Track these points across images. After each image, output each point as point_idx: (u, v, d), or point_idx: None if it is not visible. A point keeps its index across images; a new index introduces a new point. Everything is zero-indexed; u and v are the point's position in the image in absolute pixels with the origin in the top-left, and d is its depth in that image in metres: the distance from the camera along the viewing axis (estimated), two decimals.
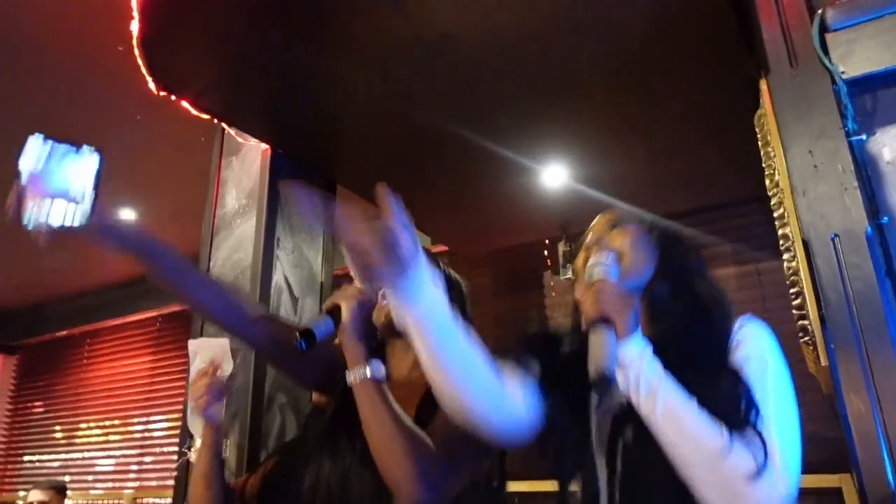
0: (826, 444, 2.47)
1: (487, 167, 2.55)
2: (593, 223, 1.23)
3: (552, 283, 3.62)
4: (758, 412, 0.95)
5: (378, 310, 1.23)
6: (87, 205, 0.98)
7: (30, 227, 0.96)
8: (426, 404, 1.17)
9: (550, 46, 1.84)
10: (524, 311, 3.62)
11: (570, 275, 3.39)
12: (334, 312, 1.15)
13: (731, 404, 0.96)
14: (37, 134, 0.99)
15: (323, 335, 1.13)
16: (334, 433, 1.25)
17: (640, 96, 2.12)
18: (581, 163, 2.54)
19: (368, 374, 1.08)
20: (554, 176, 2.63)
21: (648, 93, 2.10)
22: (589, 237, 1.20)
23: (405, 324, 0.90)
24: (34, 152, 0.98)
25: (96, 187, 1.00)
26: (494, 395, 1.01)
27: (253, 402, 2.01)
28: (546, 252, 3.60)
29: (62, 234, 0.97)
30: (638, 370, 0.95)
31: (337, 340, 1.15)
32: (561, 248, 3.40)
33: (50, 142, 0.99)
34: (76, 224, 0.98)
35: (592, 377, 0.93)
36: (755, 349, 1.03)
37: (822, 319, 1.21)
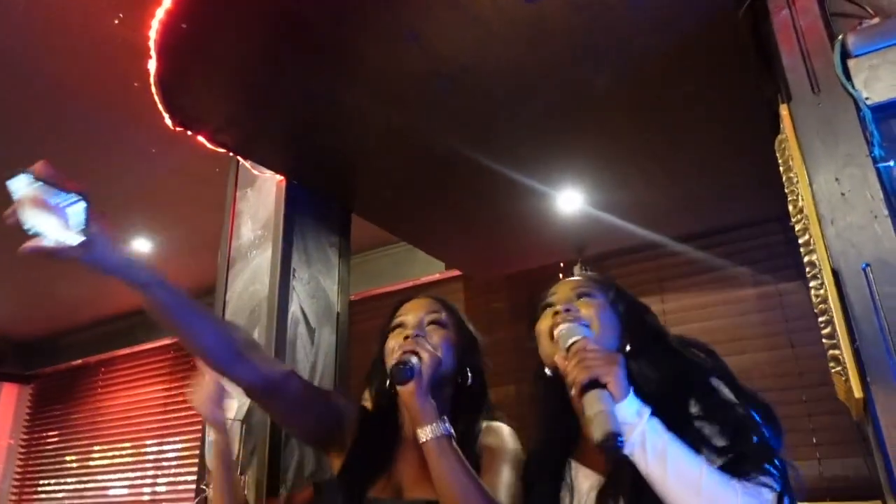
0: (856, 472, 2.42)
1: (502, 193, 2.54)
2: (555, 288, 1.23)
3: None
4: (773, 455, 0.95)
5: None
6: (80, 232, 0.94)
7: (28, 231, 0.91)
8: None
9: (567, 75, 1.84)
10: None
11: None
12: (414, 364, 1.13)
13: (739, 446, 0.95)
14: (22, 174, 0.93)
15: (407, 378, 1.12)
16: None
17: (658, 121, 2.11)
18: (597, 188, 2.52)
19: (443, 431, 1.08)
20: (569, 201, 2.62)
21: (666, 118, 2.09)
22: (552, 300, 1.19)
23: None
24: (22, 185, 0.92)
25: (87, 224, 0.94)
26: None
27: (271, 437, 1.98)
28: (562, 276, 3.56)
29: (54, 251, 0.92)
30: (642, 431, 0.91)
31: (408, 391, 1.12)
32: (577, 271, 3.37)
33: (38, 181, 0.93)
34: (70, 242, 0.93)
35: (600, 442, 0.88)
36: None
37: (856, 352, 1.18)
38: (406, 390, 1.11)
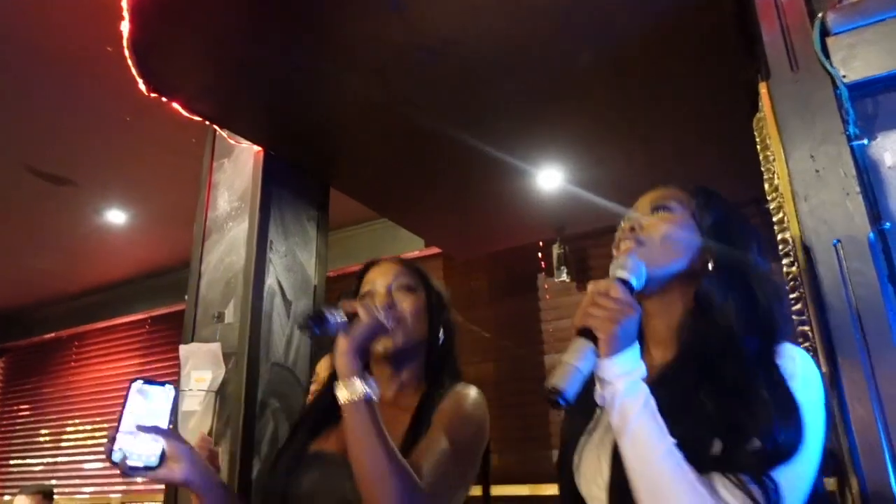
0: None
1: (483, 169, 2.53)
2: (640, 199, 1.17)
3: (546, 286, 3.61)
4: (773, 457, 0.85)
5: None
6: (161, 445, 1.12)
7: (115, 462, 1.09)
8: (413, 430, 1.16)
9: (549, 51, 1.83)
10: (521, 315, 3.59)
11: (564, 277, 3.38)
12: (351, 318, 1.10)
13: (748, 433, 0.86)
14: (138, 380, 1.16)
15: (332, 330, 1.10)
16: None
17: (639, 101, 2.11)
18: (577, 166, 2.52)
19: (363, 393, 1.04)
20: (549, 178, 2.62)
21: (647, 97, 2.09)
22: (632, 213, 1.14)
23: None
24: (135, 398, 1.14)
25: (172, 418, 1.17)
26: None
27: (245, 408, 1.98)
28: (540, 254, 3.58)
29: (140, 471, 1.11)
30: (614, 391, 0.88)
31: (339, 349, 1.10)
32: (555, 250, 3.38)
33: (146, 385, 1.16)
34: (151, 465, 1.11)
35: (544, 389, 0.86)
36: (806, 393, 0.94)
37: (824, 326, 1.20)
38: (338, 349, 1.09)
